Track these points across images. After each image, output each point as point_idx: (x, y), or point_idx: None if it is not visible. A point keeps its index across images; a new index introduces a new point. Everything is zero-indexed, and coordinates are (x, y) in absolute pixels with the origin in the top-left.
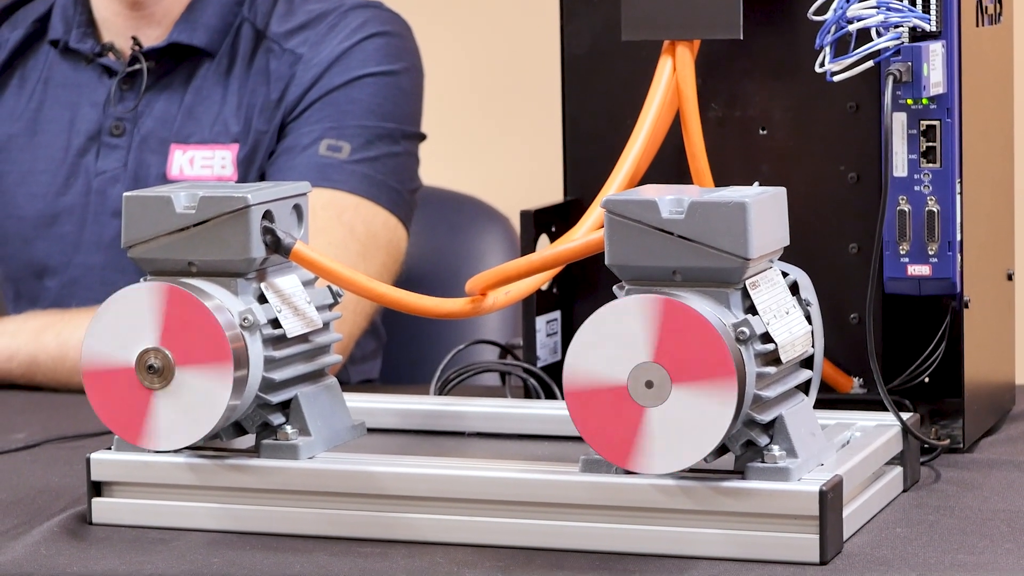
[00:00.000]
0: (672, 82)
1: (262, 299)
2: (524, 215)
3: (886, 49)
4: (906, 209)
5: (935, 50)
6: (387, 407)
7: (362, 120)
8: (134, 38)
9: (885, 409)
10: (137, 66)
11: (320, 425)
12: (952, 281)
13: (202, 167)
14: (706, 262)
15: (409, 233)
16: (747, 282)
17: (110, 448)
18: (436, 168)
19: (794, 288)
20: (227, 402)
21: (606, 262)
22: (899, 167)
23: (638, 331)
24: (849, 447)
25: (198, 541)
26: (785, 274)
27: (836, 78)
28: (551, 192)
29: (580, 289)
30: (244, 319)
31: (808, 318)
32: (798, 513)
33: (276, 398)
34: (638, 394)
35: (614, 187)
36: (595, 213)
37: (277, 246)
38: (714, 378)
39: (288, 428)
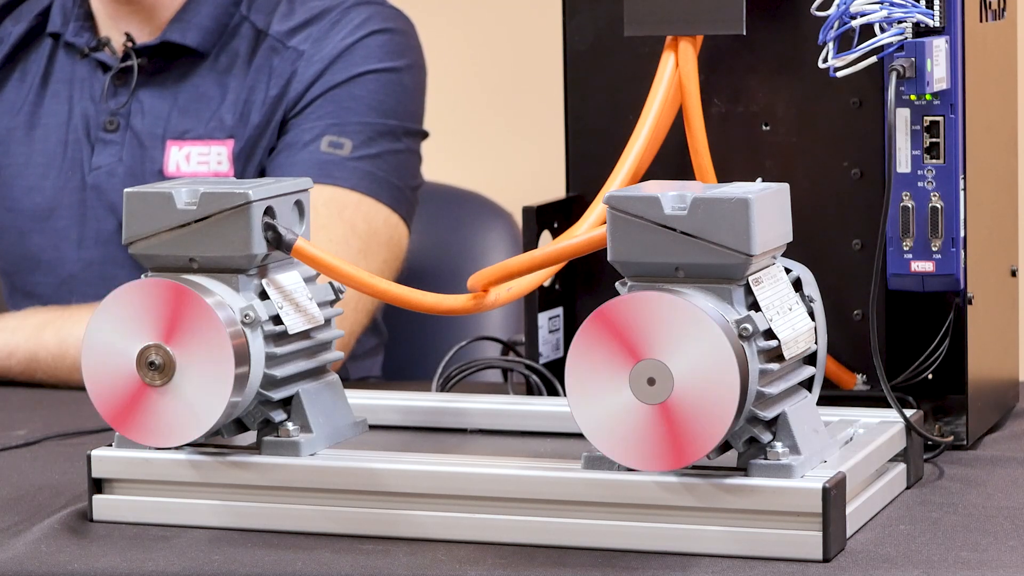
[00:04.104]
0: (675, 78)
1: (263, 295)
2: (526, 211)
3: (889, 45)
4: (909, 205)
5: (939, 46)
6: (389, 404)
7: (364, 117)
8: (127, 34)
9: (888, 406)
10: (129, 62)
11: (321, 422)
12: (956, 277)
13: (198, 163)
14: (709, 258)
15: (410, 230)
16: (750, 278)
17: (111, 445)
18: (439, 164)
19: (797, 284)
20: (228, 399)
21: (608, 258)
22: (902, 163)
23: (639, 328)
24: (852, 444)
25: (199, 538)
26: (788, 270)
27: (839, 74)
28: (553, 188)
29: (582, 285)
30: (245, 315)
31: (811, 314)
32: (801, 510)
33: (277, 395)
34: (640, 391)
35: (616, 183)
36: (597, 209)
37: (278, 242)
38: (716, 375)
39: (289, 425)
